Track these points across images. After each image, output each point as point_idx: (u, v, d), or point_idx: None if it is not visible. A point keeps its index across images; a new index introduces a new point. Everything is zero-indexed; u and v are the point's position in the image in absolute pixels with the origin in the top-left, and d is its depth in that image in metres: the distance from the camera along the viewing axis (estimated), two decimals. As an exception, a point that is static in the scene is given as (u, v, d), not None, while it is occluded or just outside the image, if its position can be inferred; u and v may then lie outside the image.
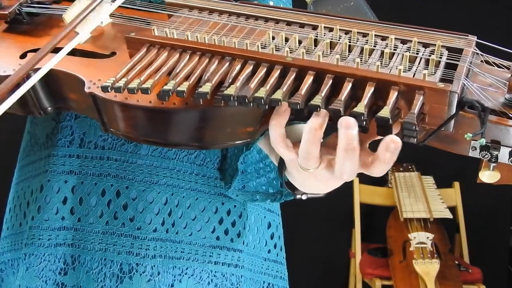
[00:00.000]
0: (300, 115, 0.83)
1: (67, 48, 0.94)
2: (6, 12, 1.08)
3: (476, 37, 0.88)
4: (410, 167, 3.80)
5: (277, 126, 0.86)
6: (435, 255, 3.28)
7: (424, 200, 3.57)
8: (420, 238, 3.38)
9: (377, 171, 0.84)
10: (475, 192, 3.61)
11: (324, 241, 3.95)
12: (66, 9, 1.05)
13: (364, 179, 3.59)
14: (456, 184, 3.68)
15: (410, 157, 3.67)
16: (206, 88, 0.83)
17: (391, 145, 0.78)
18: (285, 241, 1.37)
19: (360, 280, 3.50)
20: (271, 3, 1.18)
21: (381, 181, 3.74)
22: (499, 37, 1.04)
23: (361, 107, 0.76)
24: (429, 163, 3.79)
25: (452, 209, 3.60)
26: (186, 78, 0.86)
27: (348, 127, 0.79)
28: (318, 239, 3.95)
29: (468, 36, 0.88)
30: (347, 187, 3.57)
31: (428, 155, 3.71)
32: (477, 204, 3.80)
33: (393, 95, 0.77)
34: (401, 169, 3.77)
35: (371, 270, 3.42)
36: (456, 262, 3.38)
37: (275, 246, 1.33)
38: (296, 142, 0.88)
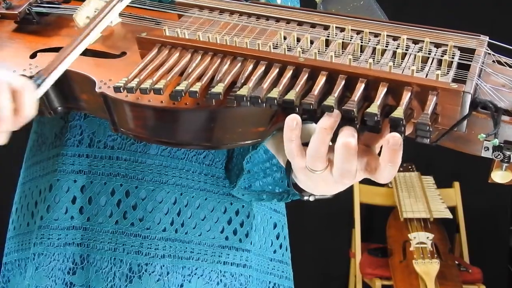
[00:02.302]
0: (313, 115, 0.83)
1: (81, 47, 0.94)
2: (16, 12, 1.08)
3: (488, 37, 0.88)
4: (410, 167, 3.80)
5: (291, 140, 0.84)
6: (435, 255, 3.28)
7: (424, 200, 3.57)
8: (420, 238, 3.37)
9: (383, 175, 0.83)
10: (475, 192, 3.61)
11: (324, 241, 3.95)
12: (76, 9, 1.05)
13: (364, 179, 3.57)
14: (456, 184, 3.68)
15: (410, 157, 3.67)
16: (219, 88, 0.83)
17: (390, 140, 0.76)
18: (286, 240, 1.37)
19: (360, 280, 3.50)
20: (279, 1, 1.18)
21: (381, 182, 3.73)
22: (502, 36, 1.05)
23: (374, 108, 0.76)
24: (429, 163, 3.79)
25: (452, 209, 3.60)
26: (199, 78, 0.86)
27: (347, 128, 0.79)
28: (318, 239, 3.95)
29: (480, 36, 0.89)
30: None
31: (428, 155, 3.71)
32: (477, 204, 3.80)
33: (406, 96, 0.78)
34: (401, 169, 3.77)
35: (371, 270, 3.42)
36: (456, 262, 3.38)
37: (280, 246, 1.34)
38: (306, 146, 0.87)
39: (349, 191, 3.63)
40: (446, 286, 3.18)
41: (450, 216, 3.50)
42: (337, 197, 1.00)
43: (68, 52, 0.93)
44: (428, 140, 0.76)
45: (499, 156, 0.78)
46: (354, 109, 0.77)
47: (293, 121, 0.81)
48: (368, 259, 3.49)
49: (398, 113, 0.75)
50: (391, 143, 0.77)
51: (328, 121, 0.81)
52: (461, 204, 3.67)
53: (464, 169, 3.41)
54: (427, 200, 3.57)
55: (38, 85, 0.88)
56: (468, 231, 3.64)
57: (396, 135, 0.76)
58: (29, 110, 0.86)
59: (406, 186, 3.66)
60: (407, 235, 3.41)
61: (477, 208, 3.84)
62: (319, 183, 0.92)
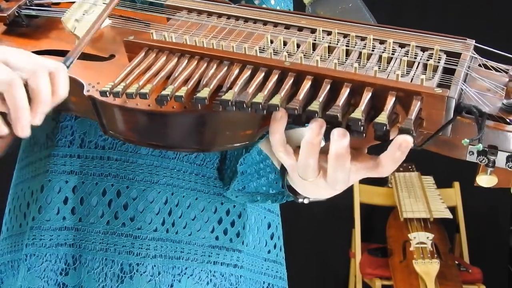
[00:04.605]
0: (298, 120, 0.83)
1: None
2: (5, 15, 1.07)
3: (474, 41, 0.88)
4: (410, 167, 3.80)
5: (275, 132, 0.85)
6: (435, 255, 3.28)
7: (424, 200, 3.57)
8: (420, 238, 3.38)
9: (385, 171, 0.83)
10: (475, 192, 3.59)
11: (324, 241, 3.95)
12: (65, 12, 1.05)
13: (364, 179, 3.57)
14: (456, 184, 3.68)
15: (410, 157, 3.65)
16: (204, 93, 0.83)
17: (403, 144, 0.77)
18: (285, 241, 1.37)
19: (360, 280, 3.50)
20: (272, 2, 1.18)
21: (381, 181, 3.74)
22: (497, 41, 1.04)
23: (358, 113, 0.76)
24: (429, 163, 3.78)
25: (452, 209, 3.60)
26: (185, 82, 0.86)
27: (339, 136, 0.78)
28: (318, 239, 3.95)
29: (466, 40, 0.88)
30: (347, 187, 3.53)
31: (428, 155, 3.68)
32: (477, 204, 3.80)
33: (390, 101, 0.77)
34: (401, 169, 3.77)
35: (371, 270, 3.42)
36: (456, 262, 3.38)
37: (275, 246, 1.33)
38: (297, 148, 0.87)
39: (349, 191, 3.63)
40: (446, 286, 3.18)
41: (450, 216, 3.50)
42: (337, 197, 1.00)
43: (88, 34, 0.97)
44: (413, 144, 0.76)
45: (483, 161, 0.78)
46: (339, 114, 0.77)
47: (278, 114, 0.83)
48: (368, 259, 3.49)
49: (382, 118, 0.75)
50: (403, 147, 0.77)
51: (313, 134, 0.81)
52: (461, 204, 3.68)
53: (464, 169, 3.38)
54: (427, 200, 3.57)
55: (68, 66, 0.91)
56: (468, 231, 3.64)
57: (408, 139, 0.76)
58: (64, 90, 0.89)
59: (406, 186, 3.66)
60: (407, 235, 3.41)
61: (477, 208, 3.84)
62: (312, 187, 0.92)
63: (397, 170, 3.74)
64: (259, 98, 0.80)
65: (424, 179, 3.73)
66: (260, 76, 0.84)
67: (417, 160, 3.76)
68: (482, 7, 3.91)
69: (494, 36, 1.57)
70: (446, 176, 3.71)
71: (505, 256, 4.09)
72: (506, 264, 4.08)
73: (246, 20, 0.98)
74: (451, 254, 3.46)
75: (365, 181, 3.65)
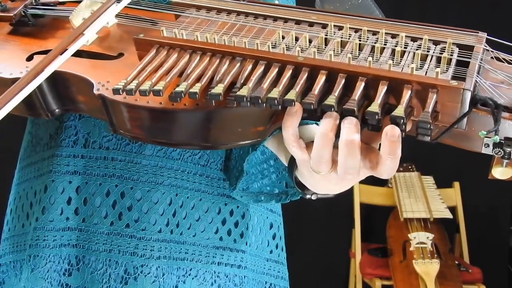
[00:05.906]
0: (313, 114, 0.83)
1: (72, 49, 0.93)
2: (11, 14, 1.07)
3: (486, 33, 0.88)
4: (410, 167, 3.80)
5: (289, 126, 0.86)
6: (435, 255, 3.28)
7: (424, 200, 3.57)
8: (420, 238, 3.38)
9: (384, 169, 0.84)
10: (475, 192, 3.61)
11: (324, 241, 3.95)
12: (72, 11, 1.04)
13: (365, 179, 3.57)
14: (456, 184, 3.69)
15: (410, 157, 3.67)
16: (219, 89, 0.82)
17: (389, 132, 0.78)
18: (285, 241, 1.37)
19: (360, 280, 3.50)
20: (277, 2, 1.17)
21: (381, 181, 3.74)
22: (508, 34, 1.04)
23: (375, 107, 0.76)
24: (429, 163, 3.79)
25: (452, 209, 3.61)
26: (198, 79, 0.86)
27: (349, 123, 0.80)
28: (318, 239, 3.95)
29: (478, 33, 0.88)
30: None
31: (428, 155, 3.71)
32: (477, 204, 3.80)
33: (406, 94, 0.78)
34: (401, 169, 3.77)
35: (371, 270, 3.42)
36: (456, 262, 3.38)
37: (276, 247, 1.33)
38: (309, 143, 0.88)
39: (349, 191, 3.61)
40: (446, 286, 3.18)
41: (450, 216, 3.50)
42: (337, 197, 1.01)
43: (25, 80, 0.87)
44: (429, 137, 0.76)
45: (499, 153, 0.78)
46: (355, 108, 0.77)
47: (293, 108, 0.84)
48: (368, 259, 3.49)
49: (399, 111, 0.76)
50: (389, 135, 0.78)
51: (328, 125, 0.82)
52: (461, 204, 3.68)
53: (464, 169, 3.42)
54: (427, 200, 3.58)
55: None
56: (468, 231, 3.64)
57: (394, 127, 0.77)
58: None
59: (406, 186, 3.67)
60: (407, 235, 3.42)
61: (477, 208, 3.84)
62: (322, 181, 0.93)
63: (397, 170, 3.75)
64: (275, 93, 0.80)
65: (424, 179, 3.73)
66: (273, 72, 0.84)
67: (417, 160, 3.76)
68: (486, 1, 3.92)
69: (501, 30, 1.56)
70: (446, 176, 3.72)
71: (505, 256, 4.09)
72: (506, 264, 4.08)
73: (256, 16, 0.98)
74: (451, 254, 3.46)
75: (365, 181, 3.64)
